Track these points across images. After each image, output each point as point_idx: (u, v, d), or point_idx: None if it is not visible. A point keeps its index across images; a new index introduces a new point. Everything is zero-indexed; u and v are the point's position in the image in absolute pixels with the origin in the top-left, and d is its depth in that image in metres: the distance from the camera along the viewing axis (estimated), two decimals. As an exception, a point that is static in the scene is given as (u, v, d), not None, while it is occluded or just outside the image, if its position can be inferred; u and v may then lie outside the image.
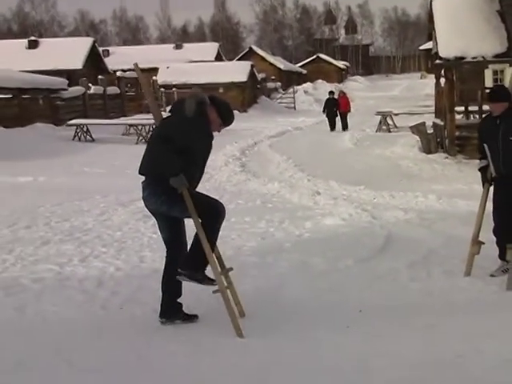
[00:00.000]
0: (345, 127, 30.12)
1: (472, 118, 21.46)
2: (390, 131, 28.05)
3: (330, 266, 8.01)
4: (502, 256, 7.57)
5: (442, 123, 19.76)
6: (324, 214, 10.99)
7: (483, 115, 20.49)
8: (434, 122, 21.84)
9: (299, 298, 6.90)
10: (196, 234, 6.04)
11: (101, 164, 18.66)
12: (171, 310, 6.17)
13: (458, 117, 19.79)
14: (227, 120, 6.12)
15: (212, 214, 6.08)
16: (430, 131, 20.53)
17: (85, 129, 26.16)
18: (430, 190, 13.11)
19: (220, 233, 9.91)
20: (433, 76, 26.57)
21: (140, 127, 25.94)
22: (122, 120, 31.65)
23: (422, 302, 6.74)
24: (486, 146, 7.50)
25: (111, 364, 5.19)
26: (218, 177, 15.90)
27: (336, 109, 30.12)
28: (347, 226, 10.16)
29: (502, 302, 6.70)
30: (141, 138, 25.28)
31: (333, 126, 30.02)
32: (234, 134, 28.04)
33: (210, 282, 6.06)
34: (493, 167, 7.50)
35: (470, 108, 20.41)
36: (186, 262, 6.02)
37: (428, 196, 12.40)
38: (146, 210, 10.87)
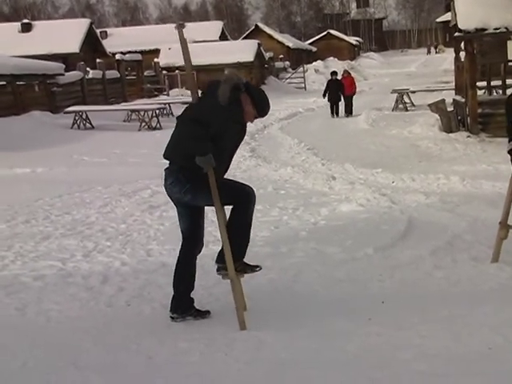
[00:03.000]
0: (349, 112, 27.94)
1: (495, 93, 21.37)
2: (407, 110, 27.93)
3: (348, 255, 7.98)
4: None
5: (463, 100, 19.63)
6: (340, 200, 10.97)
7: (510, 90, 20.41)
8: (454, 99, 21.71)
9: (316, 289, 6.89)
10: (228, 225, 6.08)
11: (102, 152, 18.65)
12: (183, 306, 6.18)
13: (479, 93, 19.67)
14: (262, 111, 6.03)
15: (243, 198, 6.10)
16: (450, 109, 20.41)
17: (84, 116, 26.16)
18: (453, 172, 13.04)
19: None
20: (451, 50, 26.43)
21: (142, 113, 25.89)
22: (123, 106, 31.58)
23: (447, 290, 6.71)
24: None
25: (119, 365, 5.20)
26: (226, 163, 15.86)
27: (340, 92, 27.71)
28: (365, 212, 10.13)
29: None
30: (143, 124, 25.26)
31: (336, 111, 27.86)
32: (241, 118, 28.02)
33: (252, 268, 6.14)
34: None
35: (493, 83, 20.30)
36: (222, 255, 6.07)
37: (450, 178, 12.33)
38: (152, 200, 10.90)
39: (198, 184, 5.85)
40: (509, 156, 7.49)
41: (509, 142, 7.44)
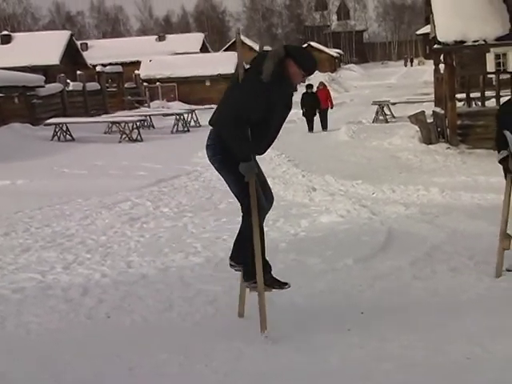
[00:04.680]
0: (324, 127, 26.90)
1: (474, 105, 21.51)
2: (387, 122, 28.06)
3: (328, 265, 8.01)
4: None
5: (443, 112, 19.76)
6: (320, 211, 11.00)
7: (489, 102, 20.57)
8: (433, 111, 21.85)
9: (296, 300, 6.90)
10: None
11: (82, 165, 18.61)
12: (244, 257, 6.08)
13: (459, 104, 19.80)
14: (308, 68, 5.90)
15: (245, 205, 6.00)
16: (430, 120, 20.54)
17: (64, 128, 26.12)
18: (432, 183, 13.13)
19: (211, 234, 9.99)
20: (431, 62, 26.61)
21: (123, 125, 25.87)
22: (104, 118, 31.58)
23: (426, 301, 6.75)
24: (508, 133, 7.29)
25: (100, 376, 5.18)
26: (207, 174, 15.89)
27: (316, 106, 26.60)
28: (345, 223, 10.16)
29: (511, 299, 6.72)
30: (124, 136, 25.23)
31: (311, 126, 26.66)
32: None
33: (280, 285, 6.16)
34: None
35: (472, 95, 20.44)
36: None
37: (430, 189, 12.41)
38: (132, 212, 10.92)
39: (228, 161, 5.82)
40: (499, 165, 7.54)
41: (498, 152, 7.46)
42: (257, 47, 70.91)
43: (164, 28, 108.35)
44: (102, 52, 59.14)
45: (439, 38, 17.72)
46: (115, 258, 8.82)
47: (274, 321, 6.26)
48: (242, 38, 63.95)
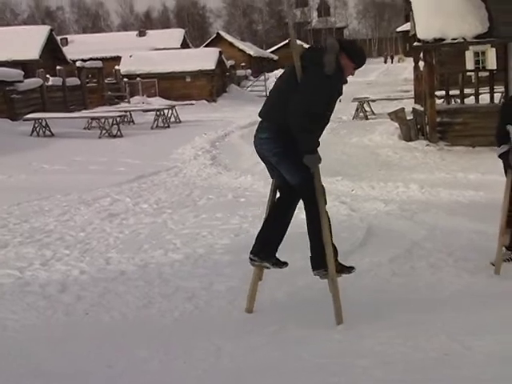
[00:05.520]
0: None
1: (453, 102, 21.59)
2: (367, 118, 28.11)
3: (308, 262, 7.95)
4: None
5: (422, 109, 19.82)
6: (300, 208, 10.95)
7: (468, 100, 20.66)
8: (413, 108, 21.92)
9: (277, 296, 6.91)
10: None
11: (61, 160, 18.47)
12: (269, 251, 6.26)
13: (438, 102, 19.88)
14: (360, 62, 6.14)
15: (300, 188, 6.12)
16: (410, 117, 20.60)
17: (43, 123, 25.91)
18: (412, 180, 13.17)
19: (190, 230, 9.96)
20: (411, 59, 26.69)
21: (103, 120, 25.72)
22: (84, 113, 31.40)
23: (406, 297, 6.76)
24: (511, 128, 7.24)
25: (79, 374, 5.15)
26: (187, 171, 15.86)
27: None
28: (325, 220, 10.14)
29: (491, 296, 6.73)
30: (104, 131, 25.11)
31: None
32: (203, 125, 28.05)
33: (348, 270, 6.34)
34: None
35: (451, 92, 20.51)
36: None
37: (409, 186, 12.44)
38: (111, 208, 10.85)
39: (289, 152, 5.87)
40: (499, 160, 7.52)
41: (498, 146, 7.44)
42: (237, 43, 70.91)
43: (144, 23, 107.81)
44: (82, 47, 58.79)
45: (419, 36, 17.76)
46: (94, 255, 8.77)
47: (252, 317, 6.27)
48: (223, 34, 63.41)
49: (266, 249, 6.21)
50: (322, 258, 6.05)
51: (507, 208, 7.40)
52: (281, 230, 6.23)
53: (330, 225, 6.17)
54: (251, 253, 6.25)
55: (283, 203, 6.25)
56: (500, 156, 7.44)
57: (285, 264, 6.37)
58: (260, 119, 6.20)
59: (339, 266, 6.22)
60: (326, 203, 6.18)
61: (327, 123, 6.07)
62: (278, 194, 6.36)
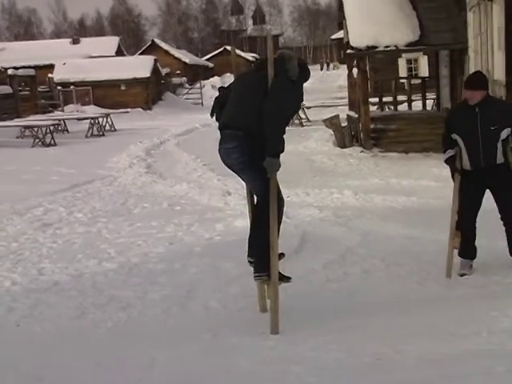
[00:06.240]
0: None
1: (387, 109, 21.91)
2: (302, 125, 28.25)
3: (242, 269, 7.96)
4: (471, 255, 7.56)
5: (357, 116, 20.04)
6: (235, 216, 11.00)
7: (401, 107, 20.96)
8: (348, 115, 22.13)
9: (211, 305, 6.90)
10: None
11: (-7, 170, 18.19)
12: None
13: (372, 108, 20.12)
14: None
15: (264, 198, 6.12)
16: (345, 124, 20.80)
17: (-26, 132, 25.51)
18: (346, 186, 13.28)
19: (125, 239, 9.90)
20: (345, 66, 26.96)
21: (36, 129, 25.40)
22: (16, 121, 30.95)
23: (339, 303, 6.82)
24: (458, 137, 7.31)
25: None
26: (121, 180, 15.73)
27: None
28: (260, 227, 10.17)
29: (422, 300, 6.83)
30: (37, 140, 24.79)
31: None
32: (138, 134, 27.89)
33: (286, 278, 6.34)
34: (468, 160, 7.31)
35: (385, 99, 20.81)
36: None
37: (344, 192, 12.55)
38: (45, 217, 10.71)
39: (255, 162, 5.86)
40: (445, 165, 7.62)
41: (444, 152, 7.53)
42: (173, 51, 70.68)
43: (78, 31, 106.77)
44: (13, 55, 57.80)
45: (352, 44, 17.96)
46: (26, 265, 8.65)
47: (186, 325, 6.26)
48: (158, 41, 62.93)
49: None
50: (267, 263, 6.05)
51: (456, 211, 7.49)
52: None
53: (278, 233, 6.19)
54: (248, 256, 6.28)
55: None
56: (446, 161, 7.54)
57: (287, 278, 6.39)
58: (221, 129, 6.20)
59: (279, 275, 6.23)
60: (281, 213, 6.24)
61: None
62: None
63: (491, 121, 7.14)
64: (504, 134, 7.19)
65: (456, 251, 7.52)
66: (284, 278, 6.32)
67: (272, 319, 5.99)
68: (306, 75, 6.22)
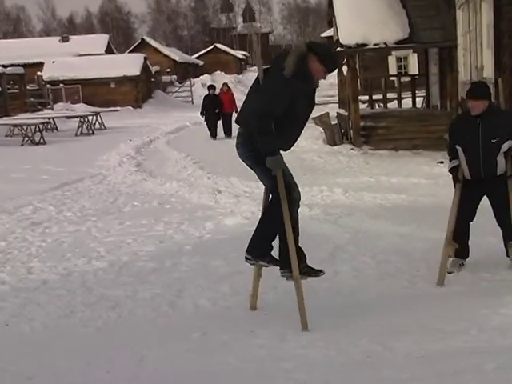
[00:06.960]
0: (227, 132, 24.29)
1: (377, 107, 21.94)
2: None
3: (232, 268, 8.01)
4: (463, 254, 7.56)
5: (346, 113, 20.08)
6: (225, 214, 11.00)
7: (390, 104, 20.98)
8: (337, 113, 22.17)
9: (200, 303, 6.89)
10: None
11: (-18, 169, 18.13)
12: (260, 250, 6.17)
13: (362, 106, 20.15)
14: (330, 66, 6.08)
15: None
16: (334, 122, 20.82)
17: (-37, 131, 25.44)
18: (336, 184, 13.30)
19: (115, 238, 9.88)
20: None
21: (25, 127, 25.34)
22: (5, 120, 30.87)
23: (329, 301, 6.82)
24: (459, 148, 7.27)
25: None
26: (111, 178, 15.71)
27: (219, 110, 24.55)
28: (250, 225, 10.06)
29: (412, 297, 6.85)
30: (26, 139, 24.72)
31: (214, 132, 24.68)
32: (128, 132, 27.88)
33: (316, 272, 6.38)
34: (468, 171, 7.26)
35: (375, 97, 20.84)
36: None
37: (334, 190, 12.56)
38: (34, 216, 10.68)
39: (260, 157, 5.88)
40: (449, 174, 7.57)
41: (450, 161, 7.51)
42: (163, 49, 70.62)
43: (68, 29, 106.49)
44: (2, 53, 57.52)
45: (341, 41, 18.00)
46: (15, 264, 8.62)
47: (176, 324, 6.25)
48: (148, 39, 62.95)
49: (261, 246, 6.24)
50: (289, 259, 6.08)
51: (454, 221, 7.41)
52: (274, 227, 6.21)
53: (297, 229, 6.28)
54: (246, 251, 6.26)
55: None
56: (450, 170, 7.52)
57: (317, 272, 6.43)
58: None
59: (305, 268, 6.29)
60: (297, 204, 6.31)
61: (298, 130, 6.16)
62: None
63: (492, 133, 7.08)
64: (505, 146, 7.14)
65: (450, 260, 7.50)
66: (312, 272, 6.37)
67: (301, 316, 6.00)
68: (329, 66, 6.04)
